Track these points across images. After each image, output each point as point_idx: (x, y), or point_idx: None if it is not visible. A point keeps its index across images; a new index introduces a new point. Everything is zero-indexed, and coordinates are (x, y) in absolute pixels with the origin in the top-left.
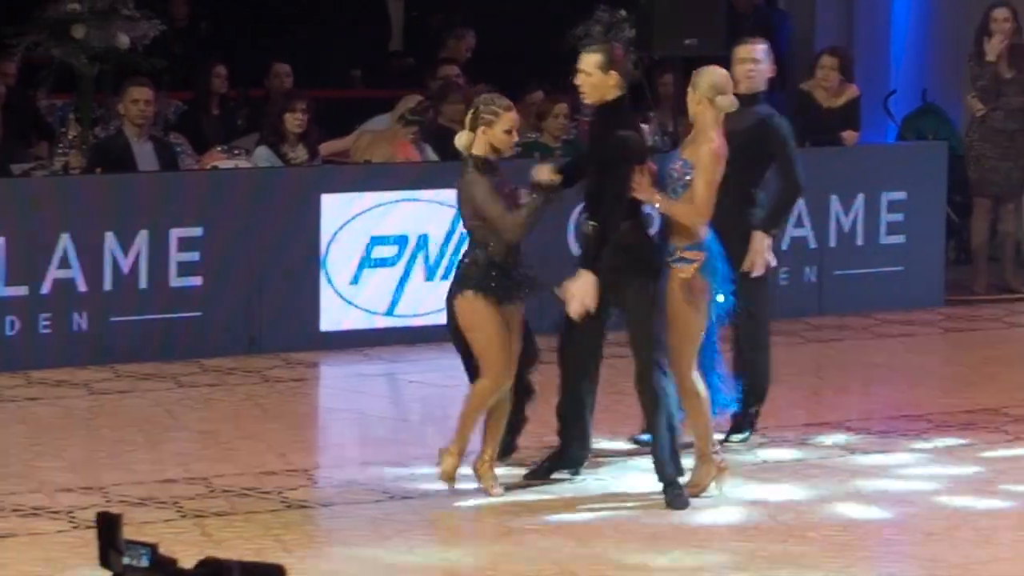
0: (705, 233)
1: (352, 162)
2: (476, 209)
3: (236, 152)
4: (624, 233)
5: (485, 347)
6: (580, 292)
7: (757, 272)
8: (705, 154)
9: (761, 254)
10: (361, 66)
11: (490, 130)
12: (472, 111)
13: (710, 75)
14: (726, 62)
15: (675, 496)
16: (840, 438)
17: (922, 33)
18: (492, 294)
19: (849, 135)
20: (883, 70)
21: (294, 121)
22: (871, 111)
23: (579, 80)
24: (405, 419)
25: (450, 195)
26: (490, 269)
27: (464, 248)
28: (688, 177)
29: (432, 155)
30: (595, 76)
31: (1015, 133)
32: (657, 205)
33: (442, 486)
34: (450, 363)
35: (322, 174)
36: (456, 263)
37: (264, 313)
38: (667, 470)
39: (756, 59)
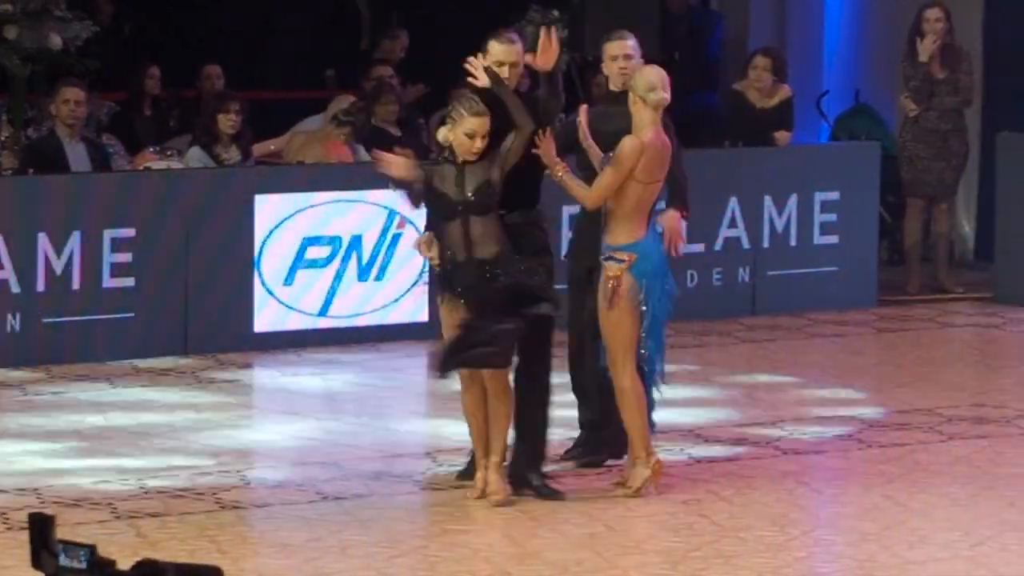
0: (642, 235)
1: (285, 163)
2: None
3: (169, 153)
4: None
5: None
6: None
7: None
8: (625, 145)
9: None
10: (334, 66)
11: (454, 129)
12: (450, 107)
13: (644, 74)
14: (659, 62)
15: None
16: (774, 437)
17: (855, 33)
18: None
19: (782, 135)
20: (816, 70)
21: (227, 122)
22: (804, 111)
23: (623, 66)
24: (339, 420)
25: (383, 196)
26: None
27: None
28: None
29: (365, 156)
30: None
31: (948, 133)
32: (560, 175)
33: (374, 486)
34: (384, 363)
35: (255, 175)
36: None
37: (197, 314)
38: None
39: (628, 55)
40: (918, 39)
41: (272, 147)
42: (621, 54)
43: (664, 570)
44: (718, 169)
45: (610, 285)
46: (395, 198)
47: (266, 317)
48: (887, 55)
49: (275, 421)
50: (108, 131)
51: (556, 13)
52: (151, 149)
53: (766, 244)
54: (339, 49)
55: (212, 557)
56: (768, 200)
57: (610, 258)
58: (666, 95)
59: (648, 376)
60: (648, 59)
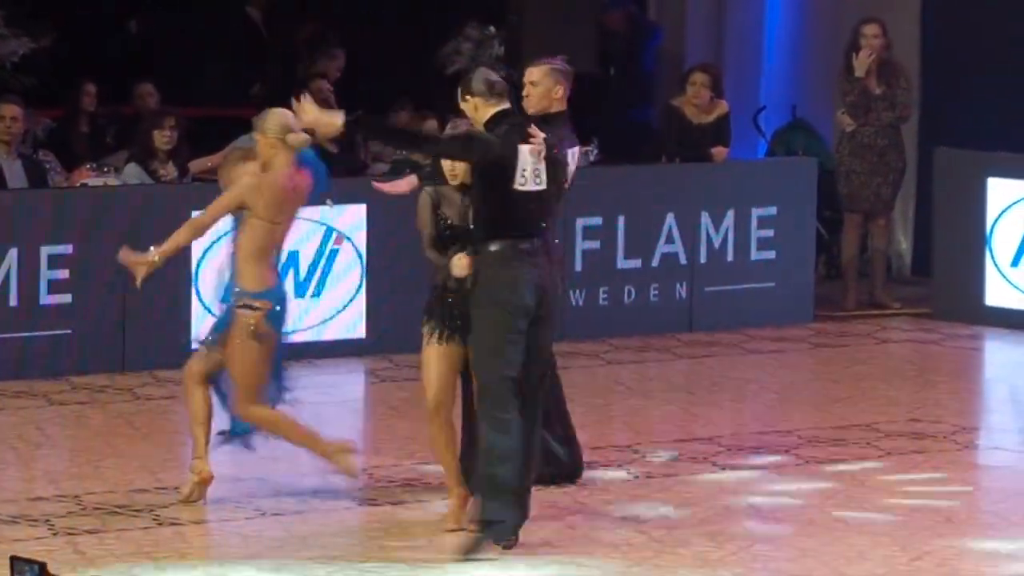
0: (273, 282)
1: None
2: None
3: (106, 169)
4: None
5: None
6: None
7: None
8: (242, 179)
9: None
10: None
11: None
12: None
13: (278, 117)
14: (595, 79)
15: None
16: (711, 453)
17: (792, 49)
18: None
19: (719, 151)
20: (753, 86)
21: (162, 138)
22: (741, 127)
23: (526, 92)
24: (276, 436)
25: (320, 212)
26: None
27: None
28: None
29: None
30: (542, 85)
31: (885, 149)
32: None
33: (312, 503)
34: (321, 380)
35: (192, 191)
36: None
37: (135, 331)
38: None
39: (531, 81)
40: (855, 54)
41: (209, 164)
42: (525, 81)
43: None
44: (655, 185)
45: (251, 329)
46: (331, 214)
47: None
48: (824, 70)
49: (211, 437)
50: (45, 147)
51: (492, 29)
52: (88, 166)
53: (703, 260)
54: (275, 67)
55: (150, 574)
56: (705, 216)
57: (246, 306)
58: (307, 135)
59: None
60: (584, 74)
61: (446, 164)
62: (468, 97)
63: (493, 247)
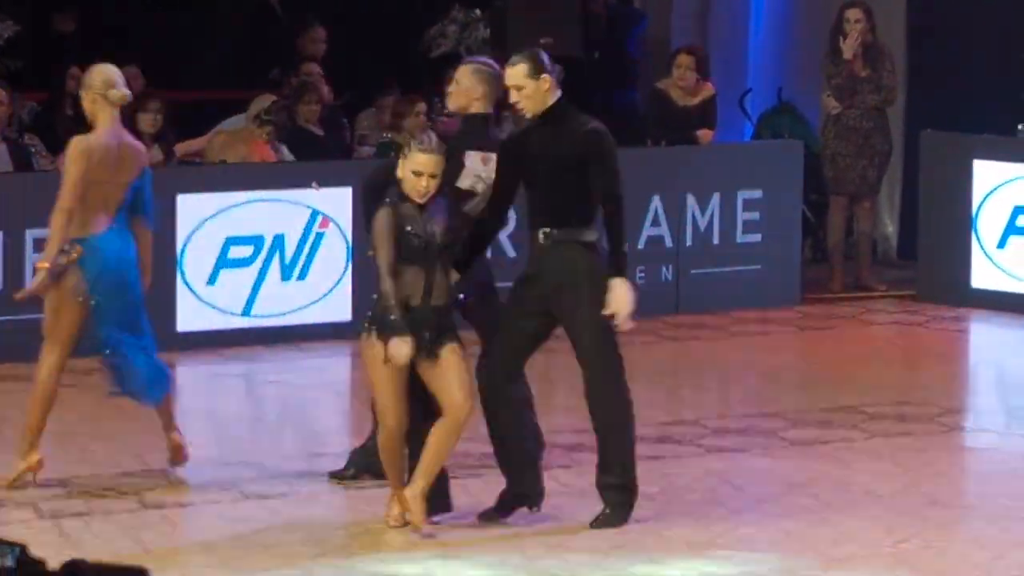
0: (92, 231)
1: (207, 162)
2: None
3: None
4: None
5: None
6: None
7: None
8: (71, 147)
9: None
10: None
11: (404, 165)
12: (404, 139)
13: (102, 71)
14: (582, 62)
15: None
16: (697, 436)
17: (778, 32)
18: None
19: (704, 134)
20: (739, 69)
21: (147, 121)
22: (727, 110)
23: (513, 97)
24: (262, 419)
25: (305, 195)
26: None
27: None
28: None
29: (288, 155)
30: (528, 87)
31: (870, 131)
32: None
33: (297, 485)
34: (307, 363)
35: (178, 174)
36: None
37: None
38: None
39: (456, 79)
40: (840, 38)
41: (195, 147)
42: (511, 85)
43: (588, 568)
44: (640, 168)
45: (59, 276)
46: (317, 197)
47: (189, 316)
48: (810, 53)
49: (198, 420)
50: (30, 131)
51: (478, 12)
52: None
53: (689, 243)
54: (264, 50)
55: (137, 557)
56: (691, 199)
57: (62, 251)
58: (127, 92)
59: (129, 364)
60: (569, 58)
61: (412, 178)
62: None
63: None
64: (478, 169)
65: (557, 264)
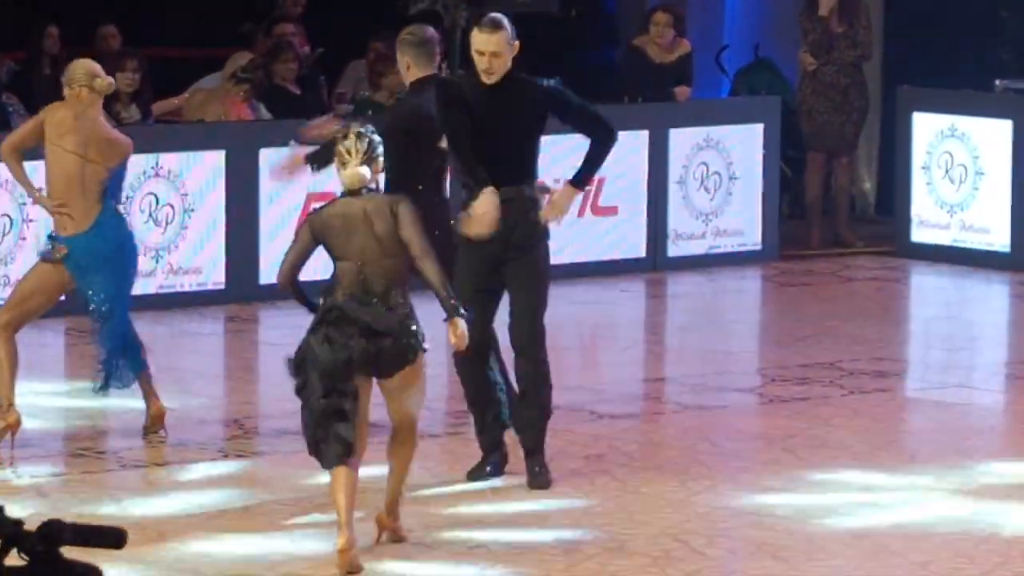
0: (77, 229)
1: (185, 121)
2: None
3: None
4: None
5: None
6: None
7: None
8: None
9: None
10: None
11: (342, 170)
12: (368, 142)
13: (83, 64)
14: (558, 20)
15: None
16: (675, 393)
17: None
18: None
19: (681, 90)
20: (716, 25)
21: (124, 80)
22: (704, 66)
23: (489, 64)
24: (240, 379)
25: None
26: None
27: None
28: None
29: (265, 113)
30: (505, 54)
31: (847, 87)
32: None
33: (276, 444)
34: (295, 320)
35: (155, 133)
36: None
37: None
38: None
39: (495, 53)
40: None
41: (172, 106)
42: (488, 51)
43: (566, 528)
44: (617, 124)
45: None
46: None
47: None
48: (786, 10)
49: (177, 381)
50: (8, 91)
51: None
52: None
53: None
54: (239, 6)
55: (115, 518)
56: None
57: (52, 244)
58: (112, 80)
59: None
60: (546, 16)
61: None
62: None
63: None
64: None
65: (513, 221)
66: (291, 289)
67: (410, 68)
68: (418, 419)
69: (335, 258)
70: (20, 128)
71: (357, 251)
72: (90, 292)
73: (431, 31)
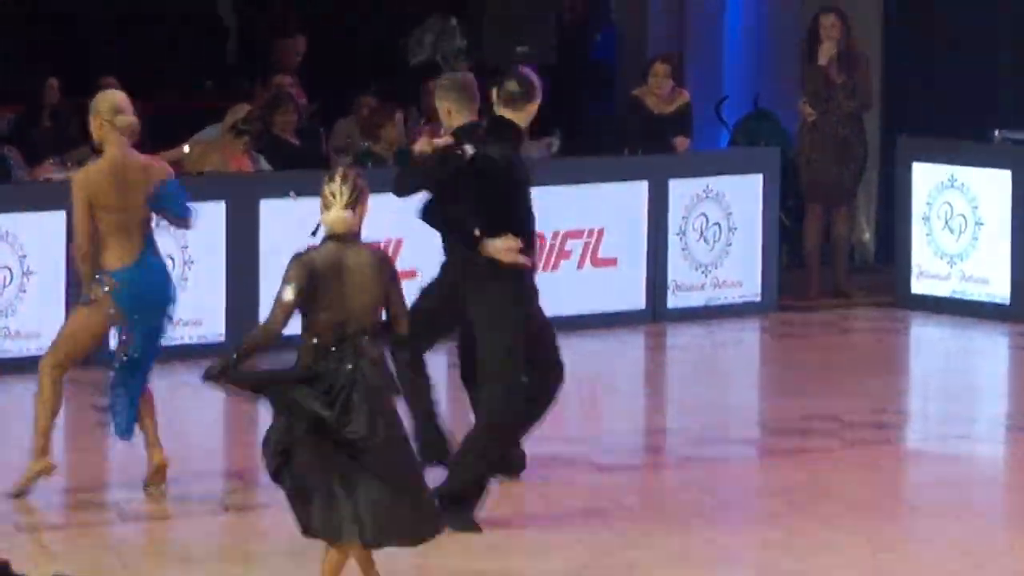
0: (123, 262)
1: (185, 172)
2: None
3: (68, 164)
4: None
5: None
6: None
7: None
8: (72, 184)
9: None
10: (205, 76)
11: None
12: (352, 186)
13: (108, 98)
14: (556, 69)
15: None
16: (677, 445)
17: (754, 39)
18: None
19: (681, 141)
20: (715, 76)
21: None
22: (703, 117)
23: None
24: (241, 431)
25: (284, 205)
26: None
27: None
28: None
29: (265, 165)
30: None
31: (847, 137)
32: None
33: (276, 496)
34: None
35: None
36: None
37: None
38: None
39: None
40: (816, 44)
41: (171, 157)
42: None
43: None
44: (618, 176)
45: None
46: (296, 208)
47: None
48: (786, 60)
49: (177, 432)
50: (7, 142)
51: (454, 21)
52: (51, 160)
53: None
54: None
55: (116, 570)
56: (669, 205)
57: (98, 280)
58: (135, 119)
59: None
60: (545, 67)
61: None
62: None
63: None
64: None
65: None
66: (274, 343)
67: (452, 114)
68: None
69: (313, 308)
70: (77, 221)
71: (336, 300)
72: (131, 333)
73: (469, 75)
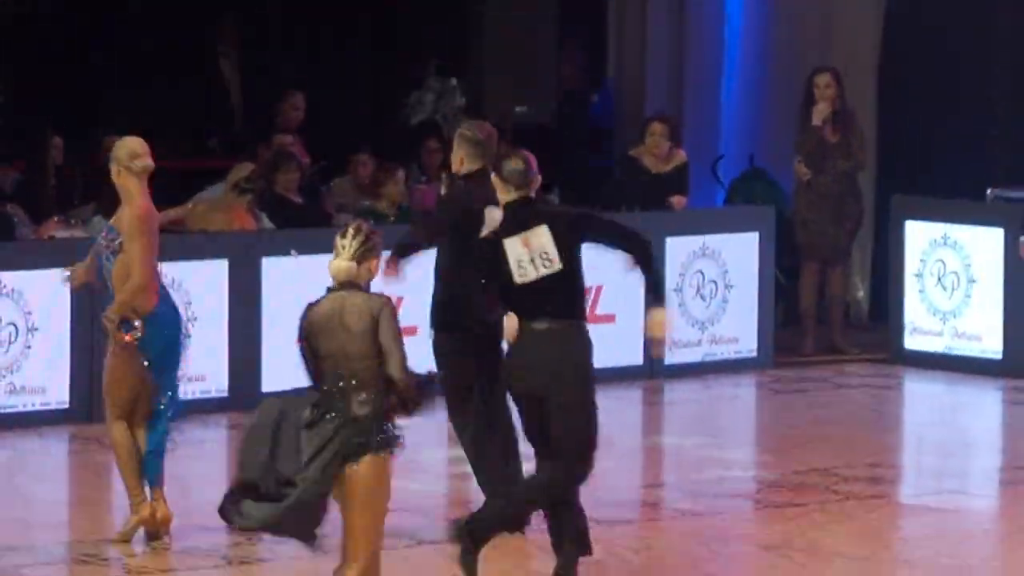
0: (144, 310)
1: (188, 231)
2: None
3: (73, 222)
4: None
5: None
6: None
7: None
8: (130, 219)
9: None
10: (206, 133)
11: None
12: (363, 239)
13: (126, 144)
14: (554, 130)
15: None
16: (673, 499)
17: (749, 99)
18: None
19: (677, 200)
20: (711, 135)
21: None
22: (699, 176)
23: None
24: None
25: (286, 263)
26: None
27: None
28: (117, 242)
29: (268, 223)
30: None
31: (842, 197)
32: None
33: (279, 551)
34: None
35: (161, 243)
36: None
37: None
38: None
39: None
40: (810, 104)
41: (173, 215)
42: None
43: None
44: None
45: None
46: (296, 265)
47: None
48: (781, 120)
49: (180, 487)
50: (12, 201)
51: (454, 81)
52: (55, 218)
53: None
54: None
55: None
56: (665, 263)
57: (125, 322)
58: (150, 162)
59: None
60: (544, 126)
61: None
62: None
63: None
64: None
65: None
66: None
67: (463, 162)
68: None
69: (316, 357)
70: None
71: (335, 349)
72: (160, 383)
73: (490, 129)
